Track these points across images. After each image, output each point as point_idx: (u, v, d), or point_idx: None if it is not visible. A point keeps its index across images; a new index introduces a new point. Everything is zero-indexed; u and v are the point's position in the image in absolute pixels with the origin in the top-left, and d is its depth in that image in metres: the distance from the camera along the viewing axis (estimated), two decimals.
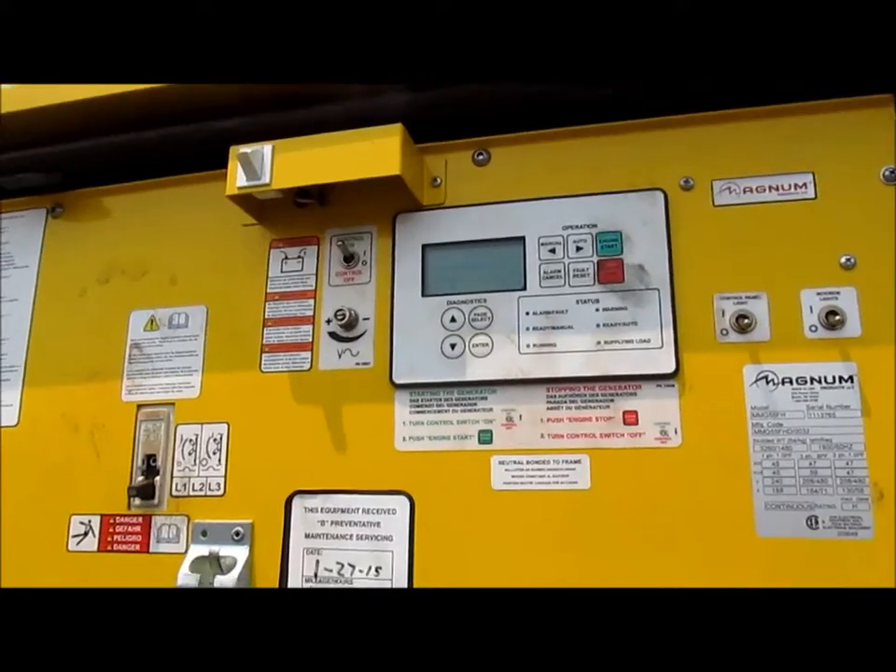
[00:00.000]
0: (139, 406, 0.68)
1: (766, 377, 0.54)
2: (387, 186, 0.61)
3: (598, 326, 0.58)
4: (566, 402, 0.58)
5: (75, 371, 0.71)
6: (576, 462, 0.57)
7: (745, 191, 0.59)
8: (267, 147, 0.62)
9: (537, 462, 0.58)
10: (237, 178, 0.62)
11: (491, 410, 0.59)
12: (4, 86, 0.70)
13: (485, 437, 0.59)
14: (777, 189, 0.58)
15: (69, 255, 0.75)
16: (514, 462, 0.58)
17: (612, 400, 0.57)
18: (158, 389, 0.68)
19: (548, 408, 0.58)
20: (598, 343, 0.58)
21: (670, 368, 0.56)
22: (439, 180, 0.65)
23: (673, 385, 0.56)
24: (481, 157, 0.65)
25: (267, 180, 0.61)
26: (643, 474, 0.55)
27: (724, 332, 0.56)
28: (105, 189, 0.75)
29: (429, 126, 0.65)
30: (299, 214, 0.68)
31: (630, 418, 0.57)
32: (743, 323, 0.55)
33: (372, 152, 0.60)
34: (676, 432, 0.55)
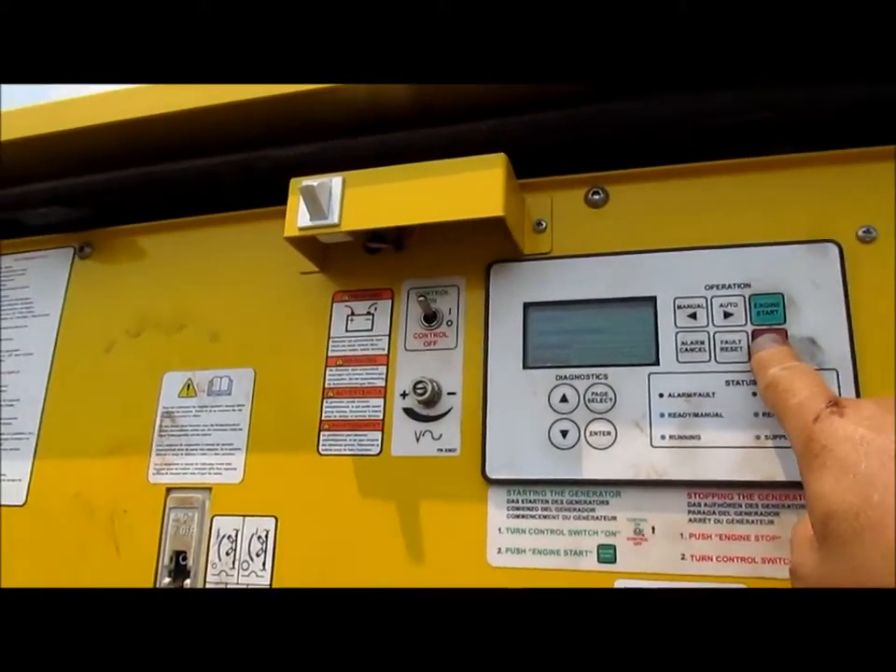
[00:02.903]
0: (168, 489, 0.56)
1: None
2: (480, 229, 0.49)
3: (756, 415, 0.45)
4: (714, 514, 0.45)
5: (95, 443, 0.59)
6: None
7: None
8: (336, 180, 0.50)
9: None
10: (298, 217, 0.51)
11: (614, 519, 0.46)
12: (28, 106, 0.61)
13: (607, 554, 0.46)
14: None
15: (97, 302, 0.64)
16: None
17: (777, 514, 0.44)
18: (192, 470, 0.56)
19: (690, 520, 0.45)
20: (757, 437, 0.45)
21: None
22: (544, 224, 0.53)
23: None
24: (596, 196, 0.53)
25: (336, 220, 0.50)
26: None
27: None
28: (140, 227, 0.65)
29: (529, 157, 0.53)
30: (369, 261, 0.56)
31: None
32: None
33: (468, 188, 0.48)
34: None
